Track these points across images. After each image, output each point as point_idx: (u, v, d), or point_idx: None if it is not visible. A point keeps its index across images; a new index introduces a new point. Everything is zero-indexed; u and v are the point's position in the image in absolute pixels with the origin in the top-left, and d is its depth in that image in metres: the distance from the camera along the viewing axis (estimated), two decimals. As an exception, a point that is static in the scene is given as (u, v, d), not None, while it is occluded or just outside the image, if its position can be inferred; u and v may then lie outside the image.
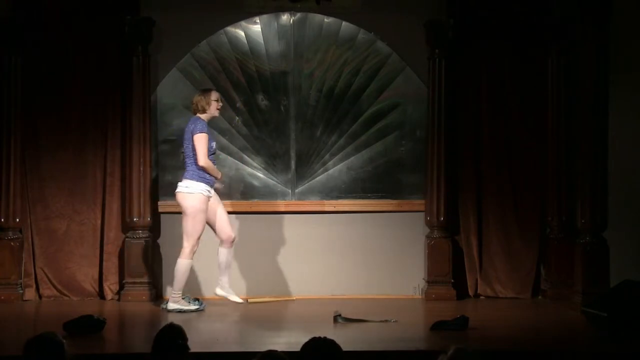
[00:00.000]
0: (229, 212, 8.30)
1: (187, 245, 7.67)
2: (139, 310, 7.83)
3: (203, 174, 7.64)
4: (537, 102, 8.35)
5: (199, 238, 7.69)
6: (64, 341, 4.16)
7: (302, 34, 8.46)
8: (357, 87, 8.48)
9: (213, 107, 7.75)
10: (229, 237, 7.84)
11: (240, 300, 7.91)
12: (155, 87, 8.37)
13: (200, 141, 7.60)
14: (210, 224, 7.83)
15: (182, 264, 7.66)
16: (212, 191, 7.76)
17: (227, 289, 7.91)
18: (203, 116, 7.72)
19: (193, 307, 7.68)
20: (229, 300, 7.88)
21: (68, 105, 8.30)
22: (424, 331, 6.88)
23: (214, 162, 7.75)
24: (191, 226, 7.63)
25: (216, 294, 7.93)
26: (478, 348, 5.71)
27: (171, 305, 7.64)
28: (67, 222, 8.31)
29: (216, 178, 7.74)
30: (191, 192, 7.62)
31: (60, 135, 8.30)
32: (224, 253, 7.86)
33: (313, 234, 8.41)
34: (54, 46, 8.25)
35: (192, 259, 7.70)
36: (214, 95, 7.81)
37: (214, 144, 7.79)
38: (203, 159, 7.60)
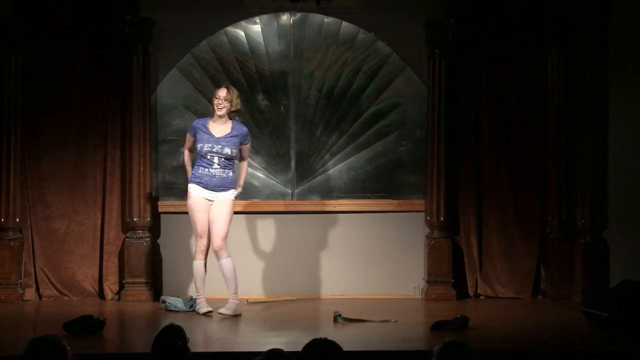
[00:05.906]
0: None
1: None
2: (139, 310, 7.83)
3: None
4: (537, 102, 8.35)
5: (199, 237, 7.52)
6: (68, 348, 4.03)
7: (302, 34, 8.46)
8: (357, 87, 8.47)
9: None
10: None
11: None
12: (155, 87, 8.37)
13: None
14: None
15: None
16: (206, 192, 7.49)
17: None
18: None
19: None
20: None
21: (68, 105, 8.29)
22: (424, 331, 6.88)
23: (205, 162, 7.46)
24: None
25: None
26: (478, 348, 5.71)
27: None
28: (67, 222, 8.30)
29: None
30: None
31: (60, 135, 8.29)
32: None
33: (313, 234, 8.41)
34: (54, 46, 8.24)
35: (197, 259, 7.54)
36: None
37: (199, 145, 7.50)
38: None
